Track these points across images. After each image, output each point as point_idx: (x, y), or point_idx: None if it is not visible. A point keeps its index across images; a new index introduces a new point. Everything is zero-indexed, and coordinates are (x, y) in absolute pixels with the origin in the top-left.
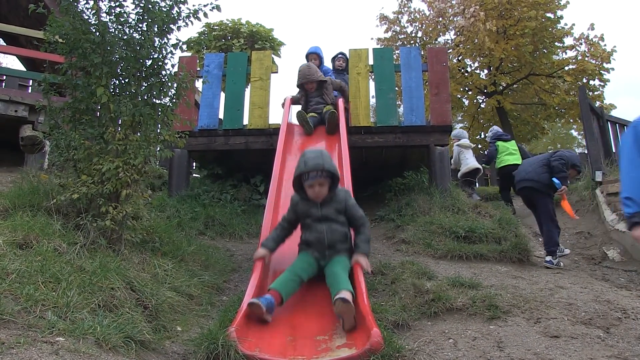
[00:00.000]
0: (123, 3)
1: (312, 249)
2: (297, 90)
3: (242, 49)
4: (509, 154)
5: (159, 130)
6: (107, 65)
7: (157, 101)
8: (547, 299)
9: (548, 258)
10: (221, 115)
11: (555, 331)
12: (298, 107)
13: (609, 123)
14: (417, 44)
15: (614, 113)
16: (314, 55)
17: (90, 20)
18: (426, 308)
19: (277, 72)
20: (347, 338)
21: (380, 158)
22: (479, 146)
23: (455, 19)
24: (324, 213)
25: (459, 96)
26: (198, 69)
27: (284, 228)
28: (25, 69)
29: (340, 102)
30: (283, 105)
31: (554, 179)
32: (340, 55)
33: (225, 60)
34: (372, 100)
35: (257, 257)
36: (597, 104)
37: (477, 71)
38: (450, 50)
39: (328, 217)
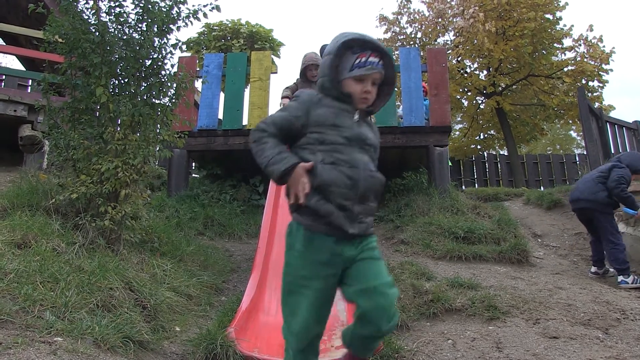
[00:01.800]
0: (123, 3)
1: (330, 207)
2: (295, 83)
3: (241, 49)
4: None
5: (158, 130)
6: (106, 65)
7: (157, 101)
8: (546, 300)
9: (620, 278)
10: (220, 116)
11: (554, 332)
12: None
13: (607, 124)
14: (416, 45)
15: (613, 114)
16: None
17: (89, 20)
18: (425, 309)
19: (276, 73)
20: None
21: (379, 158)
22: (478, 147)
23: (454, 20)
24: (363, 130)
25: (458, 97)
26: (197, 69)
27: (280, 142)
28: (24, 69)
29: None
30: (282, 99)
31: (624, 209)
32: None
33: (224, 61)
34: None
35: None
36: (596, 105)
37: (477, 72)
38: (450, 51)
39: (366, 140)
